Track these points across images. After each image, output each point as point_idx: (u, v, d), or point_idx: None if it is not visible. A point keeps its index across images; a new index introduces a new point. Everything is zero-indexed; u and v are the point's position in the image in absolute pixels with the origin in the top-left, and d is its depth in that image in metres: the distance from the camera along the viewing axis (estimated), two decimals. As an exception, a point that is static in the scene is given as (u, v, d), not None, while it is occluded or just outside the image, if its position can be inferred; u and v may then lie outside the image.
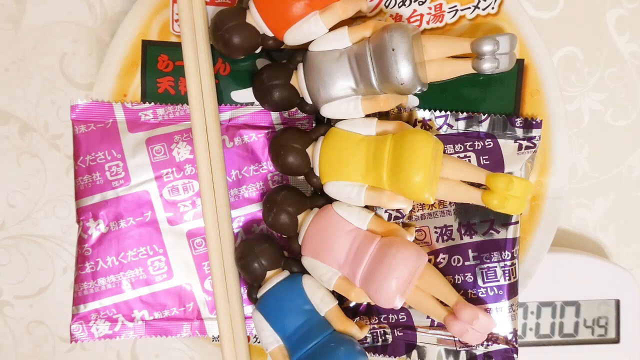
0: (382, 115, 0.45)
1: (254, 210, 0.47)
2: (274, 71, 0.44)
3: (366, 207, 0.44)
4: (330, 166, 0.43)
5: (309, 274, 0.45)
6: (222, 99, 0.47)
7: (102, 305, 0.46)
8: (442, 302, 0.43)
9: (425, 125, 0.46)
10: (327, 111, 0.44)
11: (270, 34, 0.44)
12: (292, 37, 0.43)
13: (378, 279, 0.41)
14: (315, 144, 0.44)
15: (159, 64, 0.47)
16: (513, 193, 0.42)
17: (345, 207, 0.44)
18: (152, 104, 0.46)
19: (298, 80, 0.44)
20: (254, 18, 0.43)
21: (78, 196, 0.46)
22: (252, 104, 0.47)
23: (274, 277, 0.45)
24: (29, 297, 0.51)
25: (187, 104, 0.46)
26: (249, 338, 0.47)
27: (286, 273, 0.45)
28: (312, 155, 0.44)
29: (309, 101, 0.44)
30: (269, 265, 0.44)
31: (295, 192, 0.45)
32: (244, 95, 0.47)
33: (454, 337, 0.46)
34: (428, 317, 0.45)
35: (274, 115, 0.47)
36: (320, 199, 0.45)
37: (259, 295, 0.45)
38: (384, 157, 0.42)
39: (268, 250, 0.44)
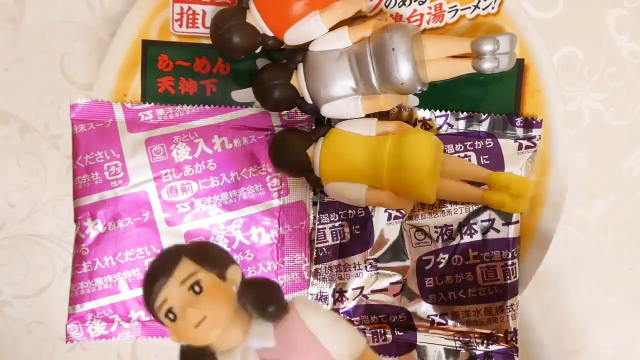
0: (382, 115, 0.45)
1: (253, 212, 0.47)
2: (274, 71, 0.44)
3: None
4: (330, 167, 0.43)
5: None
6: (222, 99, 0.47)
7: (98, 305, 0.46)
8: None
9: (426, 125, 0.46)
10: (327, 111, 0.44)
11: (270, 34, 0.44)
12: (292, 37, 0.43)
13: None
14: (315, 145, 0.44)
15: (159, 63, 0.47)
16: (514, 192, 0.42)
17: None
18: (152, 104, 0.46)
19: (298, 80, 0.44)
20: (254, 18, 0.43)
21: (76, 195, 0.46)
22: (252, 104, 0.47)
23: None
24: (29, 297, 0.51)
25: (187, 105, 0.46)
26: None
27: None
28: (313, 156, 0.44)
29: (309, 101, 0.44)
30: None
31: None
32: (244, 95, 0.47)
33: (454, 337, 0.46)
34: (429, 316, 0.45)
35: (274, 117, 0.47)
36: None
37: None
38: (384, 157, 0.42)
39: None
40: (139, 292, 0.46)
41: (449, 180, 0.43)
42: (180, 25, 0.47)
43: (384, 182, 0.42)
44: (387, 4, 0.46)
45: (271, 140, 0.45)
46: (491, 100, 0.46)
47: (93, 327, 0.46)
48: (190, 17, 0.47)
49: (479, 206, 0.45)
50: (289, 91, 0.44)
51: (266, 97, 0.44)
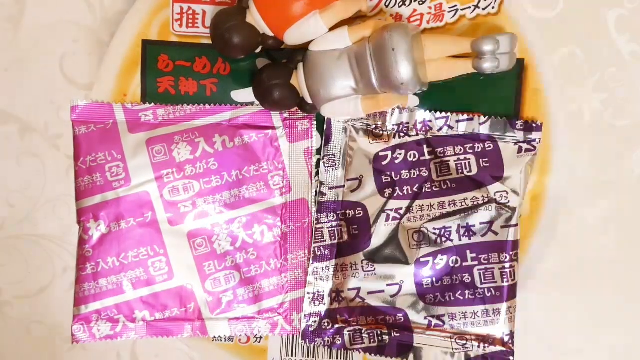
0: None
1: (255, 210, 0.47)
2: (274, 71, 0.44)
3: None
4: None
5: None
6: (222, 99, 0.47)
7: (103, 306, 0.46)
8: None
9: (426, 127, 0.46)
10: (327, 111, 0.44)
11: (271, 34, 0.44)
12: (292, 37, 0.43)
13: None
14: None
15: (159, 63, 0.47)
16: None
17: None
18: (153, 104, 0.46)
19: (298, 79, 0.44)
20: (254, 17, 0.43)
21: (79, 197, 0.46)
22: (252, 103, 0.47)
23: None
24: (29, 297, 0.51)
25: (188, 104, 0.46)
26: (248, 339, 0.47)
27: None
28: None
29: (309, 101, 0.44)
30: None
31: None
32: (244, 95, 0.47)
33: (450, 338, 0.46)
34: (426, 317, 0.46)
35: (274, 116, 0.47)
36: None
37: None
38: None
39: None
40: (143, 292, 0.46)
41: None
42: (180, 25, 0.47)
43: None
44: (387, 4, 0.46)
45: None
46: (491, 100, 0.46)
47: (98, 327, 0.46)
48: (190, 17, 0.47)
49: (478, 208, 0.45)
50: (289, 91, 0.44)
51: (266, 98, 0.44)
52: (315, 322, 0.47)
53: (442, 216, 0.46)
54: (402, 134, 0.46)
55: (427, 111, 0.46)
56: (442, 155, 0.46)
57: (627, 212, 0.50)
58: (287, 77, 0.44)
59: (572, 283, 0.50)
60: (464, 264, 0.46)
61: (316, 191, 0.47)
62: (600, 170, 0.50)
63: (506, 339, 0.46)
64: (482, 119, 0.45)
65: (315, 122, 0.47)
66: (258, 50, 0.45)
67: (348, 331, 0.46)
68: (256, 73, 0.46)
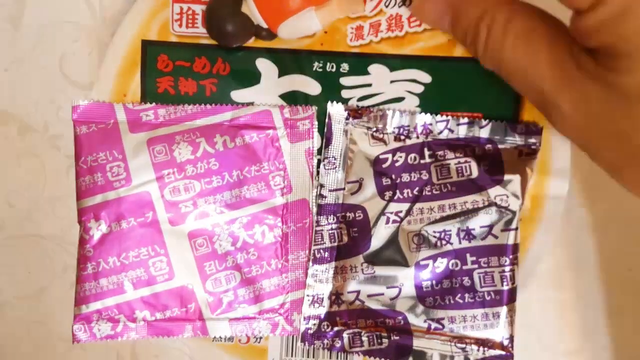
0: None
1: (256, 210, 0.47)
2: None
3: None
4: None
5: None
6: (222, 99, 0.47)
7: (104, 306, 0.46)
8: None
9: (426, 130, 0.46)
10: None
11: (265, 26, 0.44)
12: (286, 31, 0.44)
13: None
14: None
15: (158, 63, 0.47)
16: None
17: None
18: (153, 104, 0.46)
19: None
20: (250, 8, 0.43)
21: (79, 197, 0.46)
22: (252, 103, 0.47)
23: None
24: (29, 297, 0.51)
25: (188, 104, 0.46)
26: (248, 339, 0.48)
27: None
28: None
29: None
30: None
31: None
32: (244, 95, 0.47)
33: (450, 342, 0.46)
34: (425, 320, 0.46)
35: (276, 116, 0.47)
36: None
37: None
38: None
39: None
40: (144, 292, 0.46)
41: None
42: (180, 25, 0.47)
43: None
44: (387, 4, 0.46)
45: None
46: (492, 100, 0.47)
47: (99, 327, 0.46)
48: (190, 17, 0.47)
49: (479, 211, 0.45)
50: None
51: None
52: (314, 324, 0.47)
53: (442, 219, 0.46)
54: (402, 137, 0.46)
55: (428, 114, 0.46)
56: (442, 158, 0.46)
57: (627, 212, 0.50)
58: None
59: (572, 283, 0.50)
60: (464, 267, 0.46)
61: (316, 193, 0.47)
62: (600, 170, 0.50)
63: (505, 342, 0.46)
64: (483, 122, 0.46)
65: (316, 122, 0.47)
66: (251, 41, 0.45)
67: (347, 334, 0.46)
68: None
